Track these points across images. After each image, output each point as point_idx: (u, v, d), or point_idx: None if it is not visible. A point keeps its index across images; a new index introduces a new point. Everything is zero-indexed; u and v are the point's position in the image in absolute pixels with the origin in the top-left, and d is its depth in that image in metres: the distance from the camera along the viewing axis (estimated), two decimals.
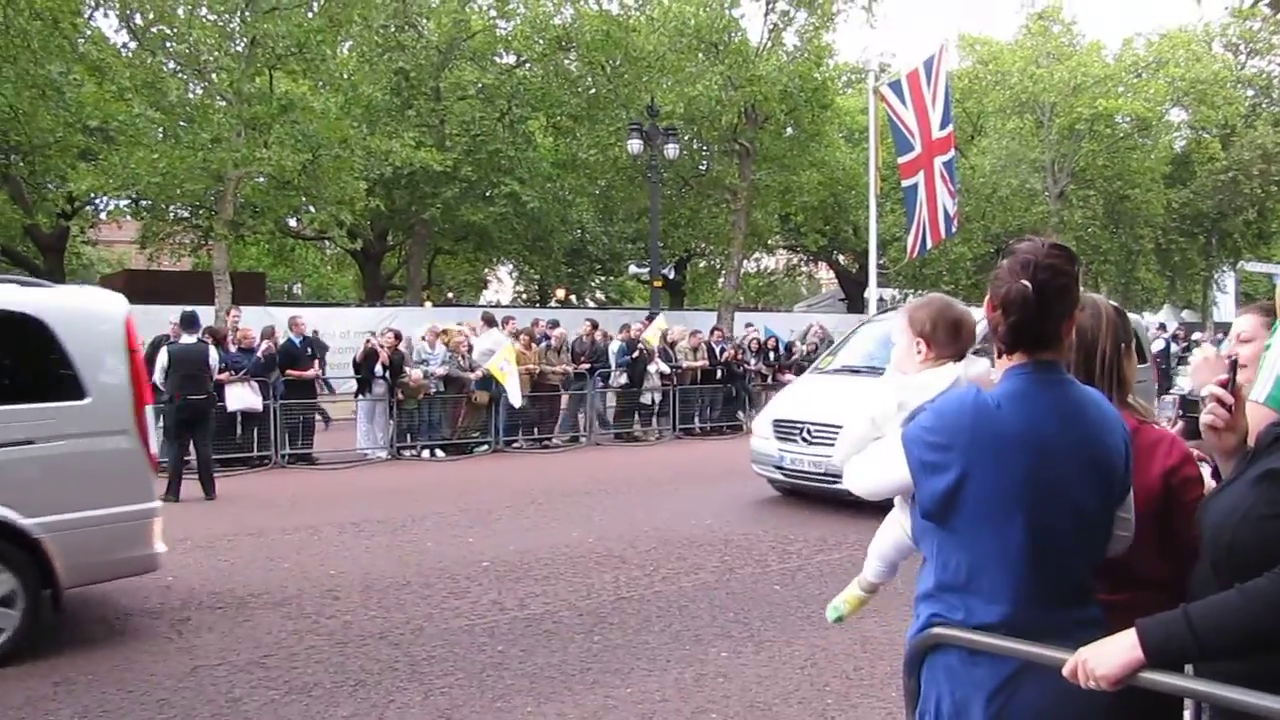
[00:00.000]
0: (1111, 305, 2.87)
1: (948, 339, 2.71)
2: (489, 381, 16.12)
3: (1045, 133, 35.23)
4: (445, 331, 16.79)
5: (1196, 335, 32.81)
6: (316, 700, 5.50)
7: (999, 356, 2.42)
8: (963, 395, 2.38)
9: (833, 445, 9.82)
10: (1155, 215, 36.92)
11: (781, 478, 11.62)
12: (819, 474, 10.96)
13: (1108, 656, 2.10)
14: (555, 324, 19.12)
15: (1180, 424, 2.90)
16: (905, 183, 18.33)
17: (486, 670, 5.96)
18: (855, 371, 12.08)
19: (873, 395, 2.73)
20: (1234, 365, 2.51)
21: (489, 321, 17.63)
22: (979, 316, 2.66)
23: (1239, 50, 40.32)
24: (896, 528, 2.81)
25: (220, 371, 13.71)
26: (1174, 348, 26.30)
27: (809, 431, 11.12)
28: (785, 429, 11.51)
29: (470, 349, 16.60)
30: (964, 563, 2.32)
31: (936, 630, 2.36)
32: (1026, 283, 2.30)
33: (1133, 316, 2.91)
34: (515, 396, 15.97)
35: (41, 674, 5.88)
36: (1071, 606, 2.34)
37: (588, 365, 18.16)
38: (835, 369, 12.68)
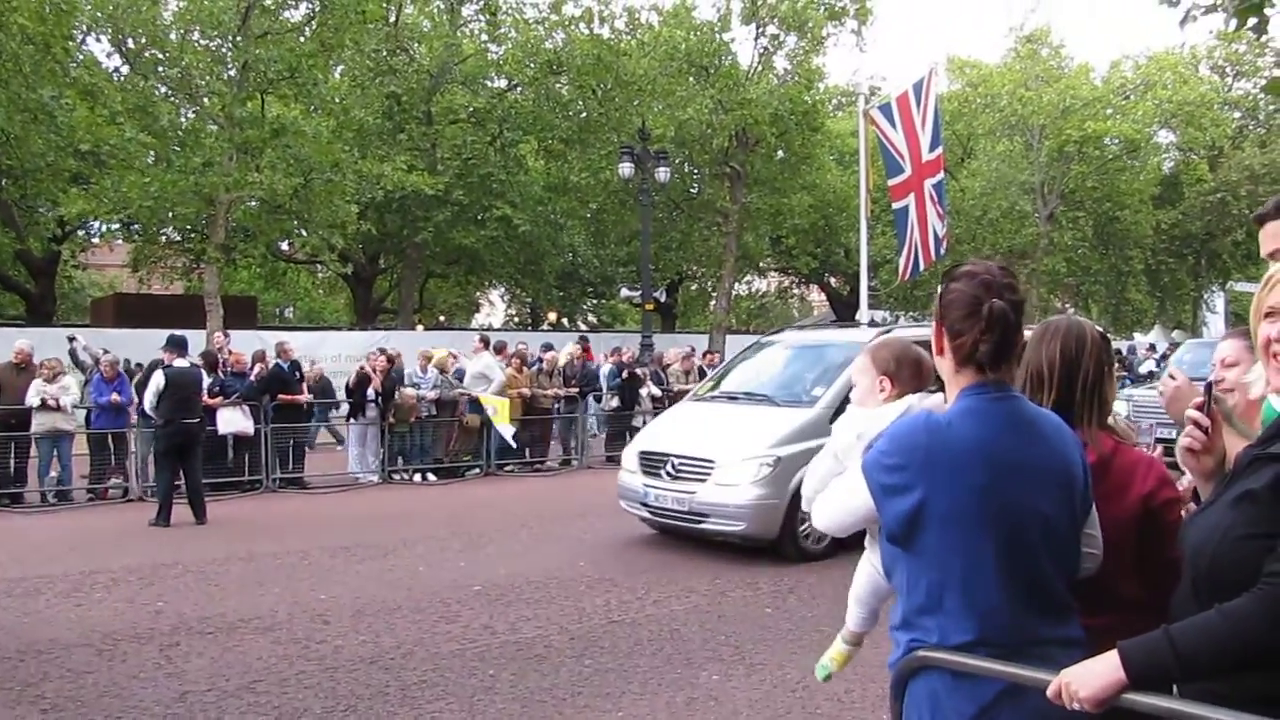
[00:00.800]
0: (1096, 329, 2.89)
1: (911, 376, 2.77)
2: (480, 405, 16.13)
3: (1035, 155, 35.38)
4: (431, 355, 16.84)
5: (1171, 354, 32.90)
6: None
7: (953, 379, 2.43)
8: (915, 417, 2.41)
9: (698, 480, 9.51)
10: (1144, 236, 37.06)
11: (649, 515, 10.53)
12: (683, 512, 9.96)
13: (1090, 678, 2.10)
14: (549, 347, 19.12)
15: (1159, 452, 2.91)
16: (896, 205, 18.38)
17: (478, 694, 5.95)
18: (733, 399, 11.19)
19: (834, 430, 2.78)
20: (1209, 388, 2.53)
21: (485, 343, 17.62)
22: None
23: (1225, 73, 40.57)
24: (870, 571, 2.84)
25: (212, 395, 13.71)
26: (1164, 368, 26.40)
27: (673, 465, 10.10)
28: (651, 462, 10.44)
29: (461, 375, 16.64)
30: (934, 584, 2.32)
31: (919, 653, 2.36)
32: (1000, 300, 2.33)
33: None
34: (507, 434, 16.05)
35: (29, 701, 5.86)
36: (1048, 623, 2.34)
37: (576, 389, 18.15)
38: (713, 396, 11.62)
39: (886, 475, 2.34)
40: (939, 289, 2.46)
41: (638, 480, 10.54)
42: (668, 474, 10.14)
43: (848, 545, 9.41)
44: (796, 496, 8.33)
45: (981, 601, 2.28)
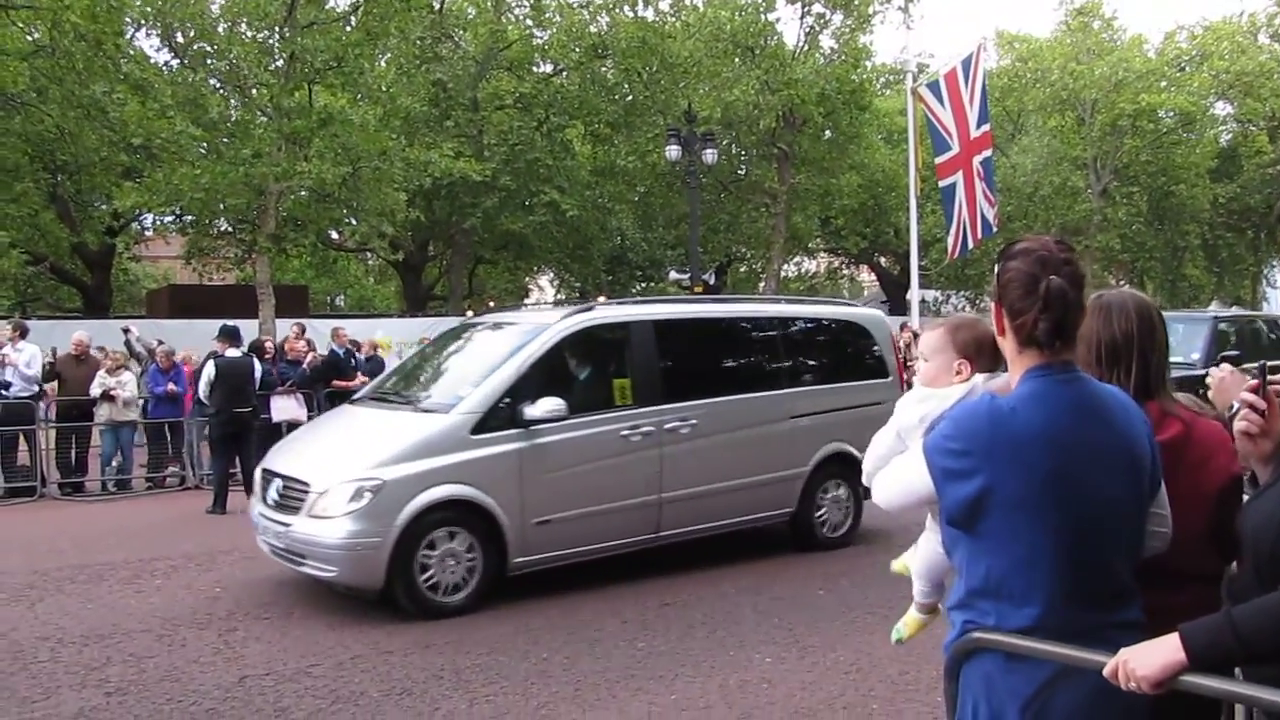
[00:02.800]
0: (1145, 299, 2.84)
1: (990, 360, 2.72)
2: None
3: (1087, 130, 34.90)
4: None
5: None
6: (363, 709, 5.53)
7: (1016, 360, 2.38)
8: (977, 402, 2.36)
9: (294, 510, 7.50)
10: (1201, 211, 36.44)
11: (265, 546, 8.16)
12: (283, 549, 7.77)
13: (1149, 658, 2.07)
14: None
15: None
16: (943, 183, 18.23)
17: (531, 678, 5.97)
18: (384, 400, 8.84)
19: (898, 407, 2.73)
20: (1264, 370, 2.46)
21: None
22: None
23: None
24: (928, 546, 2.81)
25: (268, 384, 13.85)
26: None
27: (278, 489, 7.94)
28: (264, 482, 8.27)
29: None
30: (994, 568, 2.29)
31: (974, 635, 2.33)
32: (1058, 276, 2.28)
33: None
34: None
35: (94, 684, 5.96)
36: (1108, 609, 2.30)
37: None
38: (370, 396, 9.34)
39: (949, 459, 2.30)
40: (996, 268, 2.41)
41: (255, 504, 8.32)
42: (271, 500, 7.96)
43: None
44: (411, 530, 7.22)
45: (1041, 586, 2.24)
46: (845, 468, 9.29)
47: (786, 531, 9.48)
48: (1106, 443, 2.29)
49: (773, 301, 11.94)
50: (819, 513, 9.39)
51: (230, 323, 13.19)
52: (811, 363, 9.88)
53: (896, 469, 2.55)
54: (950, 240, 18.68)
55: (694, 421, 8.50)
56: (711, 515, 8.76)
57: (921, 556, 2.89)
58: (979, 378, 2.68)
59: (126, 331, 16.29)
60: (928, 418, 2.56)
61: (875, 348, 10.09)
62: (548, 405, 7.71)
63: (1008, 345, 2.39)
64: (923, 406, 2.65)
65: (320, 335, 19.28)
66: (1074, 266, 2.32)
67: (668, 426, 8.39)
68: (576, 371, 8.68)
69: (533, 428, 7.74)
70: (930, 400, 2.65)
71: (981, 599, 2.32)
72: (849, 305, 11.52)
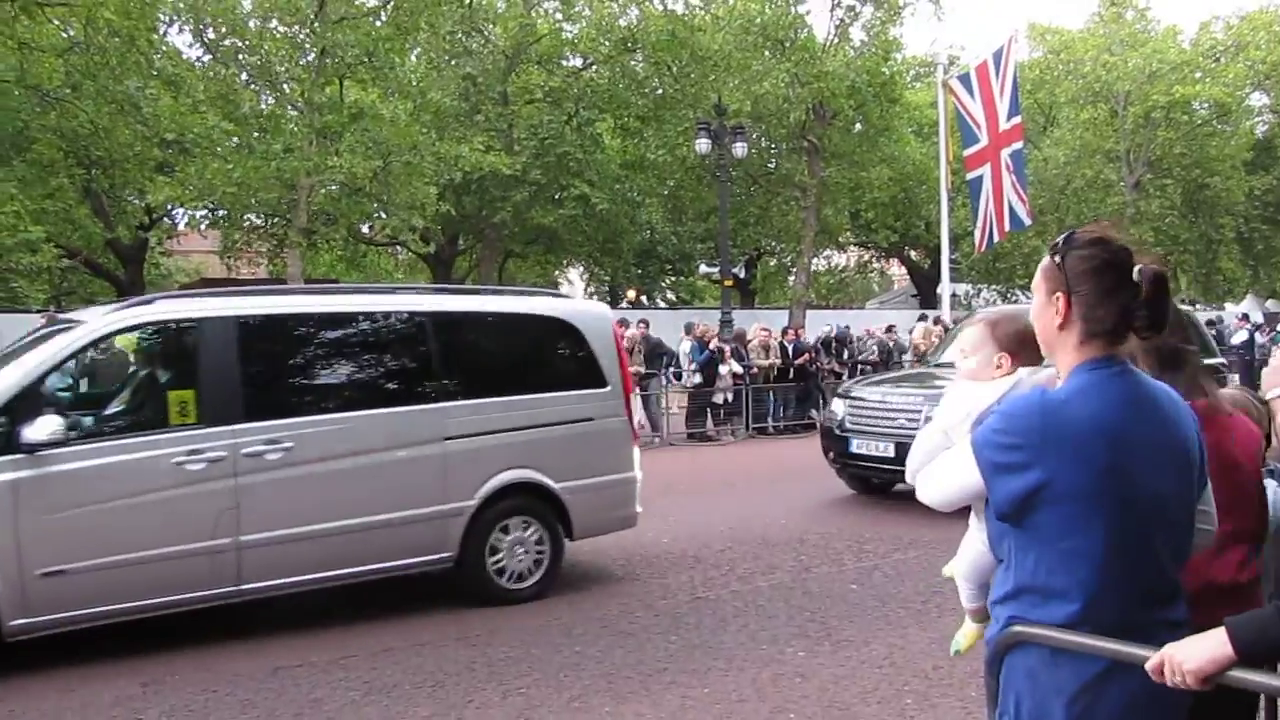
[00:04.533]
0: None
1: (1031, 355, 2.68)
2: None
3: (1120, 122, 34.60)
4: None
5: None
6: (396, 700, 5.55)
7: (1073, 353, 2.34)
8: (1029, 395, 2.33)
9: None
10: (1236, 203, 36.07)
11: None
12: None
13: (1196, 652, 2.04)
14: (625, 324, 19.14)
15: None
16: (970, 175, 18.16)
17: (564, 670, 5.98)
18: None
19: (942, 405, 2.71)
20: None
21: None
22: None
23: None
24: (973, 546, 2.77)
25: None
26: (1259, 338, 25.63)
27: None
28: None
29: None
30: (1041, 562, 2.26)
31: (1016, 629, 2.30)
32: (1154, 265, 2.25)
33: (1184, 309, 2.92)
34: None
35: (129, 674, 6.01)
36: (1154, 606, 2.26)
37: (648, 367, 18.14)
38: None
39: (999, 454, 2.26)
40: (1058, 258, 2.33)
41: None
42: None
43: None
44: None
45: (1089, 582, 2.21)
46: (534, 501, 7.72)
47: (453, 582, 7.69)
48: (1158, 438, 2.26)
49: (430, 292, 9.28)
50: (494, 559, 7.51)
51: None
52: (482, 370, 7.93)
53: (945, 465, 2.51)
54: (977, 233, 18.61)
55: (289, 445, 6.72)
56: (321, 563, 6.91)
57: (966, 557, 2.85)
58: (1024, 371, 2.64)
59: None
60: (974, 412, 2.52)
61: (585, 350, 8.13)
62: (47, 426, 6.01)
63: (1068, 337, 2.33)
64: (968, 401, 2.61)
65: None
66: (1149, 256, 2.30)
67: (248, 451, 6.58)
68: (112, 382, 7.41)
69: (40, 453, 6.02)
70: (975, 396, 2.61)
71: (1028, 593, 2.29)
72: (550, 297, 9.09)
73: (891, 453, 10.67)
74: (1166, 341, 2.58)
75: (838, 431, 11.61)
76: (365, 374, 7.52)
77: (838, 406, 12.00)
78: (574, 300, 9.54)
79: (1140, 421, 2.25)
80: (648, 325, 19.22)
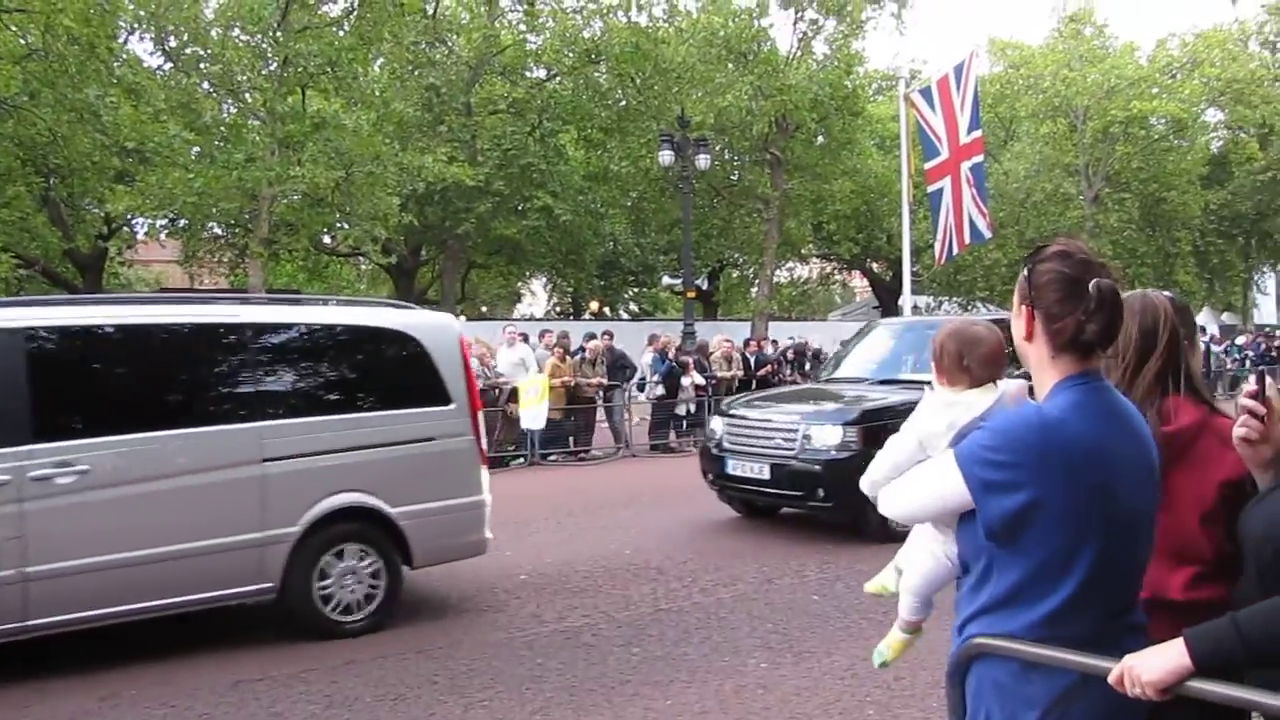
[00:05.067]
0: (1166, 297, 2.85)
1: (956, 368, 2.64)
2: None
3: (1079, 136, 34.98)
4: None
5: (1240, 339, 32.50)
6: (358, 714, 5.52)
7: (1047, 366, 2.36)
8: (1024, 413, 2.33)
9: None
10: (1193, 217, 36.56)
11: None
12: None
13: (1155, 664, 2.06)
14: (592, 336, 19.13)
15: None
16: (931, 188, 18.22)
17: (526, 683, 5.97)
18: None
19: (918, 414, 2.66)
20: (1262, 378, 2.46)
21: (524, 337, 17.76)
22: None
23: (1276, 48, 39.91)
24: (928, 559, 2.73)
25: None
26: (1214, 349, 26.04)
27: None
28: None
29: (493, 362, 16.71)
30: (1021, 578, 2.27)
31: (978, 640, 2.31)
32: (1105, 279, 2.27)
33: None
34: (527, 419, 15.92)
35: (87, 689, 5.94)
36: (1120, 614, 2.30)
37: (616, 382, 18.13)
38: None
39: (990, 471, 2.25)
40: (1025, 270, 2.37)
41: None
42: None
43: None
44: None
45: (1070, 596, 2.22)
46: (368, 528, 7.25)
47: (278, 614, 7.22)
48: (1136, 453, 2.30)
49: (251, 302, 8.79)
50: (323, 587, 7.00)
51: None
52: (308, 386, 7.35)
53: (920, 478, 2.47)
54: (937, 246, 18.65)
55: (84, 468, 6.17)
56: (122, 596, 6.31)
57: (919, 570, 2.80)
58: (1004, 384, 2.61)
59: None
60: (955, 425, 2.50)
61: (427, 365, 7.58)
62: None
63: (1037, 350, 2.36)
64: (949, 413, 2.55)
65: None
66: (1110, 271, 2.32)
67: (35, 474, 6.04)
68: None
69: None
70: (957, 407, 2.56)
71: (1005, 605, 2.30)
72: (389, 307, 8.44)
73: (767, 474, 10.15)
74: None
75: (714, 451, 10.88)
76: (173, 390, 6.93)
77: (716, 424, 11.28)
78: (415, 311, 8.51)
79: (1121, 438, 2.28)
80: (612, 337, 19.21)
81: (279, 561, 6.83)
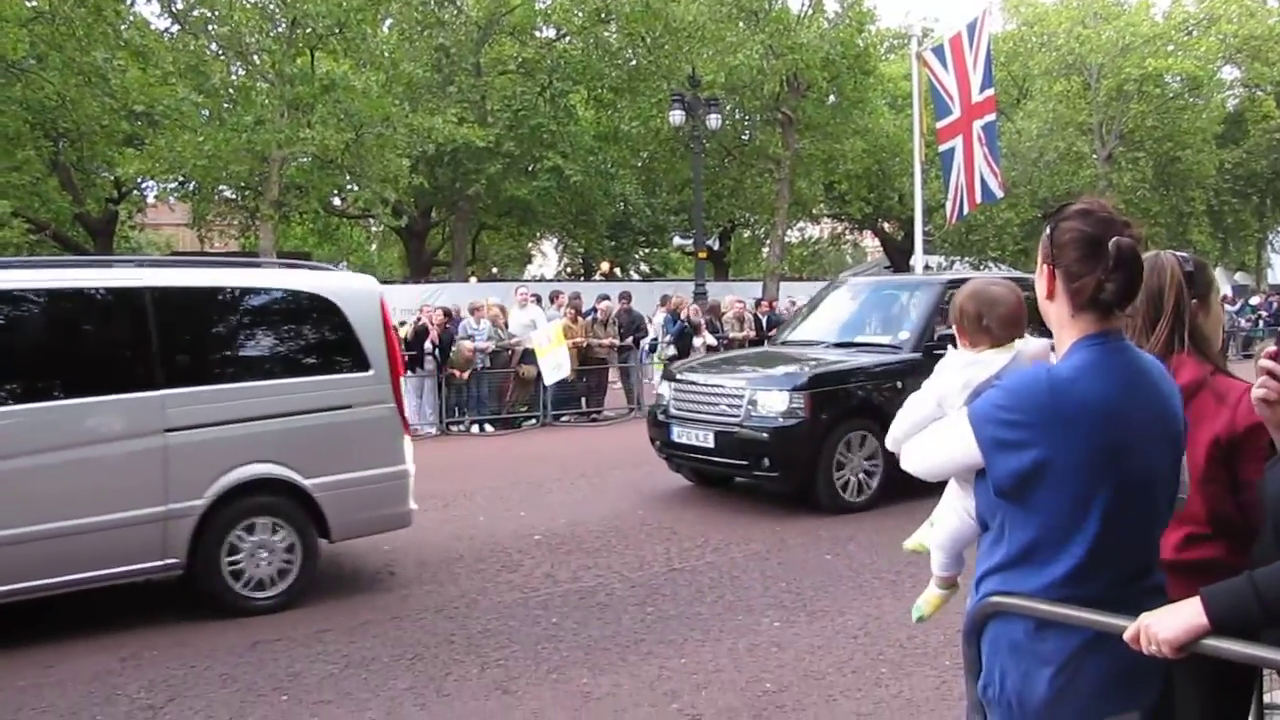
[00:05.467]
0: (1177, 258, 2.84)
1: (977, 329, 2.66)
2: (534, 356, 16.19)
3: (1093, 95, 34.68)
4: (478, 309, 16.92)
5: (1254, 299, 32.36)
6: (375, 673, 5.57)
7: (1067, 325, 2.35)
8: (1036, 372, 2.33)
9: None
10: (1207, 176, 36.25)
11: None
12: None
13: (1171, 622, 2.07)
14: (605, 297, 19.12)
15: None
16: (942, 147, 18.10)
17: (541, 642, 6.01)
18: None
19: (937, 372, 2.68)
20: None
21: (535, 299, 17.79)
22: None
23: None
24: (953, 517, 2.76)
25: None
26: (1228, 309, 25.93)
27: None
28: None
29: (506, 323, 16.73)
30: (1037, 536, 2.28)
31: (995, 599, 2.32)
32: (1125, 237, 2.25)
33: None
34: (547, 374, 15.86)
35: (109, 649, 6.00)
36: (1137, 577, 2.30)
37: (631, 339, 18.14)
38: None
39: (1002, 430, 2.27)
40: (1048, 229, 2.37)
41: None
42: None
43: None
44: None
45: (1082, 556, 2.23)
46: (281, 500, 6.94)
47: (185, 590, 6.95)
48: (1153, 415, 2.29)
49: (154, 265, 7.88)
50: (232, 562, 6.70)
51: None
52: (215, 352, 7.10)
53: (936, 436, 2.49)
54: (949, 206, 18.55)
55: None
56: (10, 574, 5.95)
57: (946, 527, 2.84)
58: (1020, 344, 2.62)
59: None
60: (971, 383, 2.51)
61: (345, 330, 7.23)
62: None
63: (1058, 309, 2.36)
64: (966, 372, 2.57)
65: None
66: (1133, 229, 2.30)
67: None
68: None
69: None
70: (975, 366, 2.57)
71: (1019, 565, 2.31)
72: (306, 270, 7.94)
73: (711, 443, 9.67)
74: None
75: (660, 417, 10.40)
76: (66, 358, 6.57)
77: (664, 389, 10.79)
78: (333, 274, 8.07)
79: (1138, 399, 2.27)
80: (629, 299, 19.23)
81: (183, 537, 6.53)
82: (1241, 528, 2.57)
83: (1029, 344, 2.59)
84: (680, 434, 10.05)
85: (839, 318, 11.50)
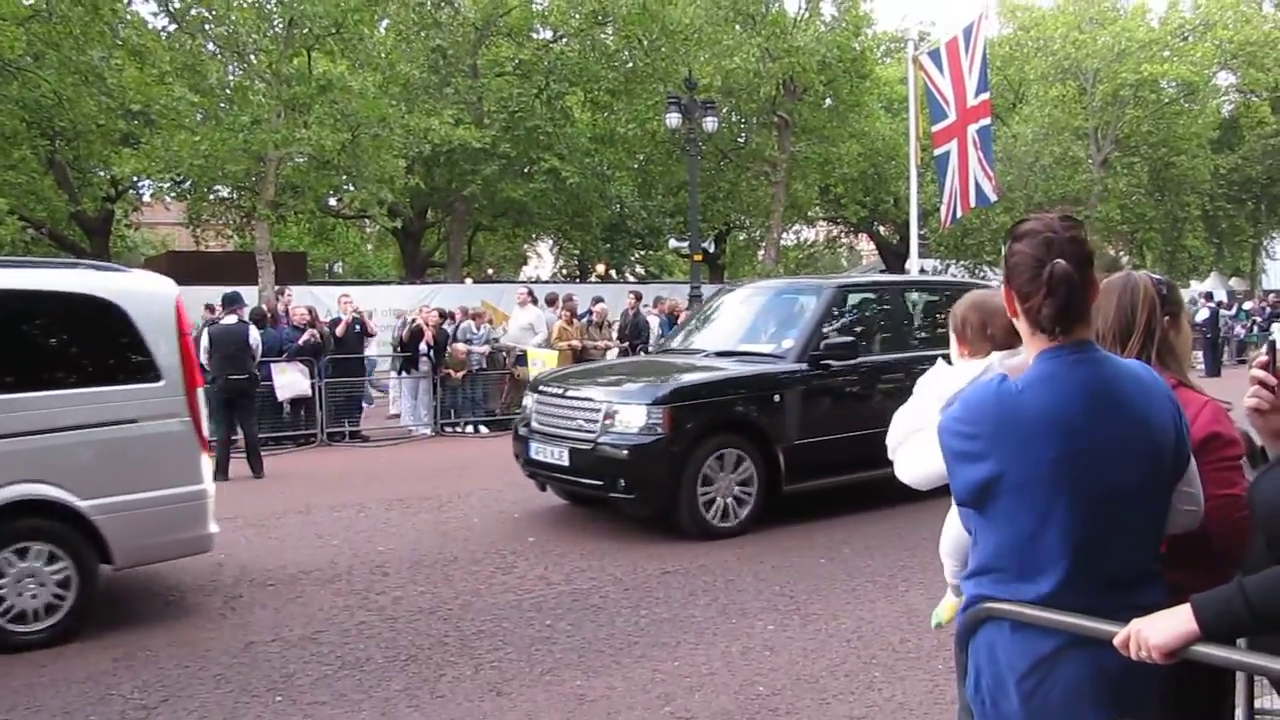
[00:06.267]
0: (1152, 279, 2.88)
1: (980, 337, 2.72)
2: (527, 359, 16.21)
3: (1088, 100, 34.73)
4: (478, 315, 16.96)
5: (1248, 305, 32.42)
6: (369, 675, 5.58)
7: (1030, 340, 2.36)
8: (987, 384, 2.34)
9: None
10: (1202, 181, 36.32)
11: None
12: None
13: (1161, 628, 2.09)
14: (599, 299, 19.14)
15: None
16: (937, 151, 18.15)
17: (535, 644, 6.02)
18: None
19: (920, 386, 2.73)
20: (1273, 347, 2.47)
21: (531, 296, 17.80)
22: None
23: None
24: (953, 525, 2.81)
25: (273, 351, 13.91)
26: (1223, 314, 25.98)
27: None
28: None
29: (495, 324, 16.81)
30: (1003, 546, 2.30)
31: (986, 605, 2.35)
32: (1062, 260, 2.24)
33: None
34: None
35: (101, 650, 6.01)
36: (1124, 591, 2.28)
37: (627, 342, 18.15)
38: None
39: (958, 442, 2.30)
40: (1004, 249, 2.38)
41: None
42: None
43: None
44: None
45: (1051, 565, 2.24)
46: (52, 523, 6.23)
47: None
48: (1117, 429, 2.26)
49: None
50: None
51: (232, 289, 13.32)
52: None
53: (916, 447, 2.55)
54: (943, 210, 18.59)
55: None
56: None
57: (949, 535, 2.90)
58: (995, 356, 2.67)
59: None
60: (943, 395, 2.56)
61: (131, 336, 6.55)
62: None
63: (1021, 326, 2.37)
64: (940, 384, 2.64)
65: (321, 302, 19.32)
66: (1080, 245, 2.28)
67: None
68: None
69: None
70: (945, 380, 2.64)
71: (991, 573, 2.33)
72: (89, 270, 7.17)
73: (566, 460, 8.88)
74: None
75: (521, 431, 9.69)
76: None
77: (528, 400, 10.00)
78: (120, 274, 7.15)
79: (1097, 412, 2.25)
80: (639, 299, 19.29)
81: None
82: (1202, 548, 2.55)
83: (1010, 358, 2.63)
84: (538, 450, 9.22)
85: (728, 324, 10.65)
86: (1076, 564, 2.23)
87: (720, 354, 9.80)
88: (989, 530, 2.33)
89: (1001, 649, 2.31)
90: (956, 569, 2.93)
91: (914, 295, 11.45)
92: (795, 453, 9.06)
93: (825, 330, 9.59)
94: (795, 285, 11.15)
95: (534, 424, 9.44)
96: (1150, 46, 34.20)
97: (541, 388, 9.77)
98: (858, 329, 10.17)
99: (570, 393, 9.25)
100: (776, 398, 9.07)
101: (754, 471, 8.85)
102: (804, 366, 9.25)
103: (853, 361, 9.53)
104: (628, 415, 8.60)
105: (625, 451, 8.48)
